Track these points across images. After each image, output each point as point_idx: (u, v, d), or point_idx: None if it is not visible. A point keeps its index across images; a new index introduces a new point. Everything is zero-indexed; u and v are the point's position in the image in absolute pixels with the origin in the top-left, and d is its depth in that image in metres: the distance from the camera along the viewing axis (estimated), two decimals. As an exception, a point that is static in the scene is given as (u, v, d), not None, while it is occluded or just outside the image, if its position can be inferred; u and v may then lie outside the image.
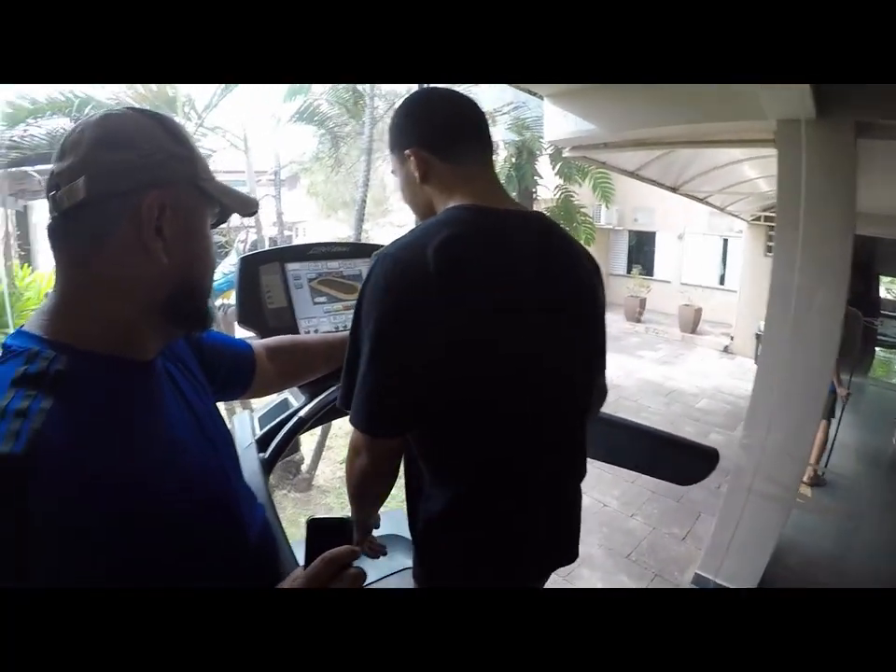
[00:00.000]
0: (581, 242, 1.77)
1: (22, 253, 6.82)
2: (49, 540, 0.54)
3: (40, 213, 7.29)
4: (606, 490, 4.68)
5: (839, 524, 4.36)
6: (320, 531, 0.73)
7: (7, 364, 0.63)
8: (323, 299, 1.47)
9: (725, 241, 13.11)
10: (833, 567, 3.63)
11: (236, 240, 6.60)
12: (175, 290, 0.74)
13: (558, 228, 1.14)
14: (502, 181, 1.16)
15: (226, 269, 5.54)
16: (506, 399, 1.03)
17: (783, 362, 2.75)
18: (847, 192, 2.59)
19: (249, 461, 1.21)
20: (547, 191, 8.32)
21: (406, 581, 1.64)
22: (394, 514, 1.78)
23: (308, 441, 5.80)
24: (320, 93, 6.75)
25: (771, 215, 9.51)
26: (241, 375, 1.12)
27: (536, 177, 7.96)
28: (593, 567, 3.70)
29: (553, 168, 7.76)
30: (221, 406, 1.03)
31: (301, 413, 1.32)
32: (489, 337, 0.98)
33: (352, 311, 1.29)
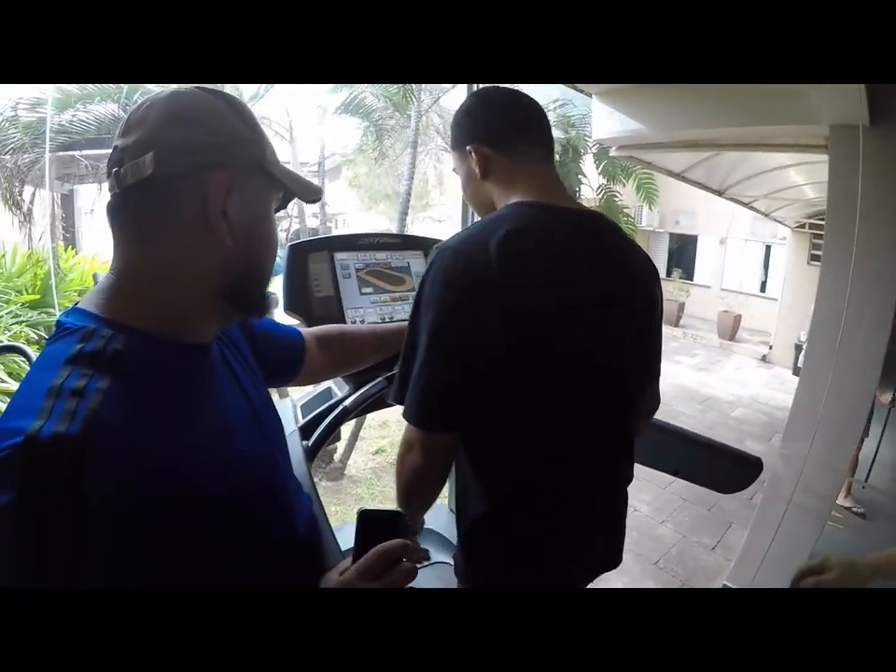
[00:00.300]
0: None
1: (67, 235, 6.98)
2: (104, 523, 0.53)
3: (85, 197, 7.44)
4: (636, 495, 4.57)
5: (870, 539, 4.25)
6: (373, 523, 0.72)
7: (61, 341, 0.62)
8: (370, 289, 1.47)
9: (768, 247, 12.83)
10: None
11: (278, 229, 6.68)
12: (239, 273, 0.72)
13: (617, 228, 1.13)
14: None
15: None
16: (559, 397, 1.02)
17: (827, 374, 2.69)
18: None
19: (293, 448, 1.22)
20: (590, 190, 8.24)
21: (439, 574, 1.65)
22: (432, 508, 1.79)
23: (342, 430, 5.85)
24: (366, 85, 6.77)
25: (816, 222, 9.30)
26: (291, 363, 1.12)
27: (580, 176, 7.87)
28: (620, 572, 3.62)
29: (598, 167, 7.66)
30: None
31: (346, 403, 1.31)
32: (546, 334, 0.98)
33: (399, 303, 1.29)
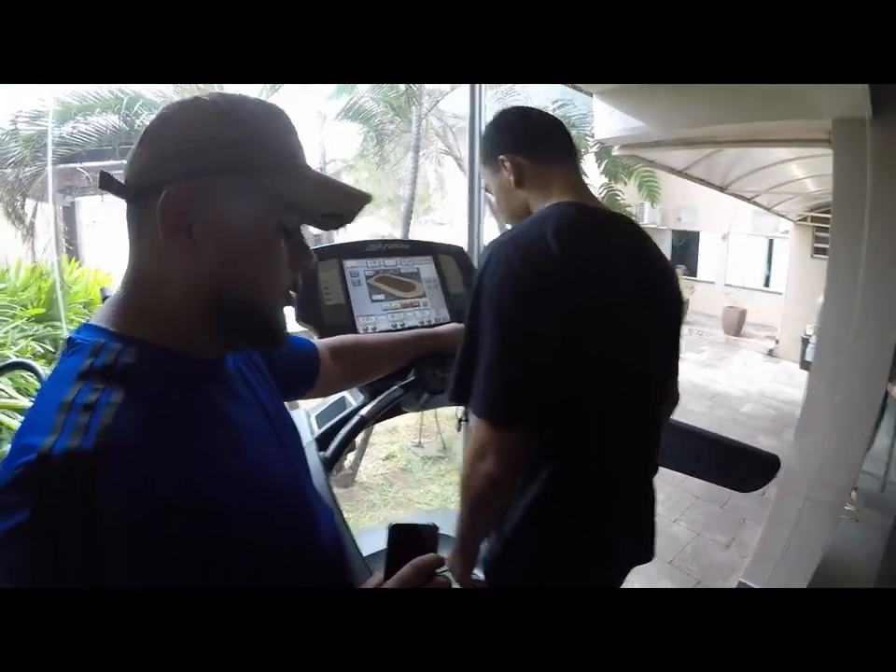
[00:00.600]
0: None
1: (70, 248, 7.00)
2: (118, 538, 0.52)
3: (87, 209, 7.47)
4: (648, 493, 4.56)
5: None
6: (404, 537, 0.70)
7: (72, 357, 0.61)
8: (381, 296, 1.46)
9: (770, 241, 12.82)
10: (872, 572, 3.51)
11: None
12: (215, 294, 0.66)
13: (643, 230, 1.19)
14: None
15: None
16: (605, 390, 1.03)
17: (839, 367, 2.67)
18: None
19: (310, 460, 1.21)
20: (593, 190, 8.24)
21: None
22: (438, 514, 1.78)
23: (351, 436, 5.87)
24: (365, 91, 6.79)
25: (818, 215, 9.30)
26: (306, 375, 1.10)
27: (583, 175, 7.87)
28: (635, 572, 3.64)
29: (599, 166, 7.67)
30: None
31: (363, 412, 1.29)
32: (599, 327, 1.00)
33: (410, 309, 1.28)
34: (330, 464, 1.26)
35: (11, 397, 3.68)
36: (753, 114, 2.80)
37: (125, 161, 0.66)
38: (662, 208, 12.92)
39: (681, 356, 1.22)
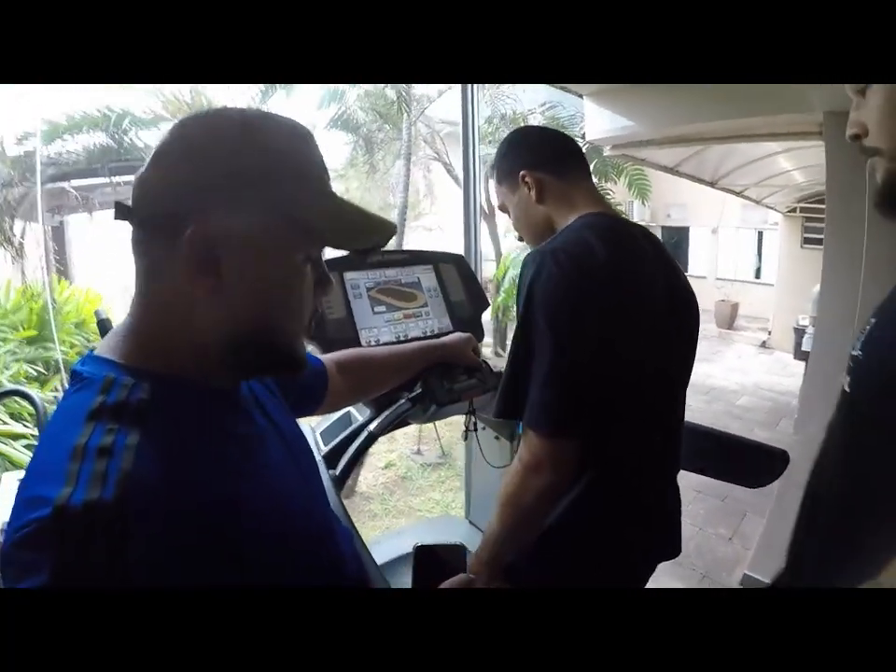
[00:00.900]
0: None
1: (60, 268, 6.96)
2: (147, 585, 0.48)
3: (75, 227, 7.42)
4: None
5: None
6: (431, 558, 0.70)
7: (79, 394, 0.56)
8: (383, 308, 1.44)
9: (760, 233, 12.90)
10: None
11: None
12: (234, 332, 0.62)
13: (657, 237, 1.21)
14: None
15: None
16: (642, 396, 1.06)
17: (837, 359, 2.67)
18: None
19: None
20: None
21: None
22: (441, 521, 1.77)
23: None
24: (354, 99, 6.79)
25: (807, 206, 9.34)
26: (315, 391, 1.07)
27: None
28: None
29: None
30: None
31: (371, 428, 1.27)
32: (643, 331, 1.03)
33: (412, 320, 1.28)
34: (341, 482, 1.23)
35: (6, 423, 3.65)
36: (744, 110, 2.81)
37: (132, 179, 0.61)
38: (651, 205, 12.96)
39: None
